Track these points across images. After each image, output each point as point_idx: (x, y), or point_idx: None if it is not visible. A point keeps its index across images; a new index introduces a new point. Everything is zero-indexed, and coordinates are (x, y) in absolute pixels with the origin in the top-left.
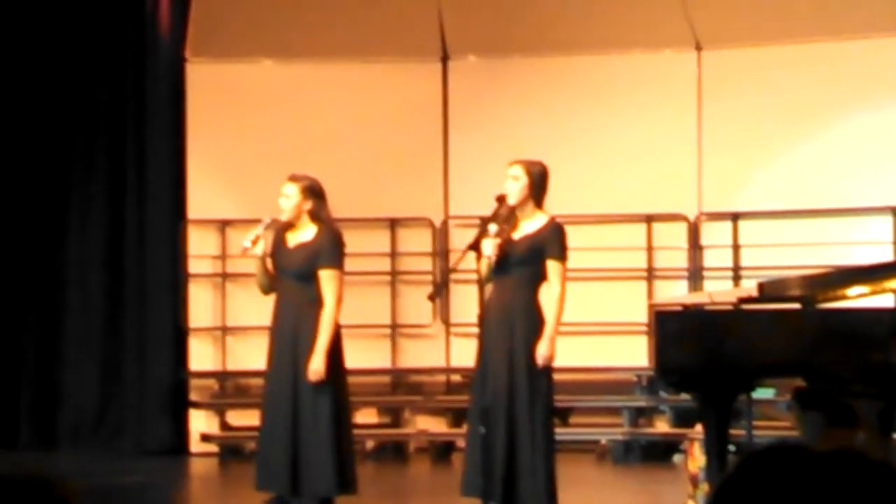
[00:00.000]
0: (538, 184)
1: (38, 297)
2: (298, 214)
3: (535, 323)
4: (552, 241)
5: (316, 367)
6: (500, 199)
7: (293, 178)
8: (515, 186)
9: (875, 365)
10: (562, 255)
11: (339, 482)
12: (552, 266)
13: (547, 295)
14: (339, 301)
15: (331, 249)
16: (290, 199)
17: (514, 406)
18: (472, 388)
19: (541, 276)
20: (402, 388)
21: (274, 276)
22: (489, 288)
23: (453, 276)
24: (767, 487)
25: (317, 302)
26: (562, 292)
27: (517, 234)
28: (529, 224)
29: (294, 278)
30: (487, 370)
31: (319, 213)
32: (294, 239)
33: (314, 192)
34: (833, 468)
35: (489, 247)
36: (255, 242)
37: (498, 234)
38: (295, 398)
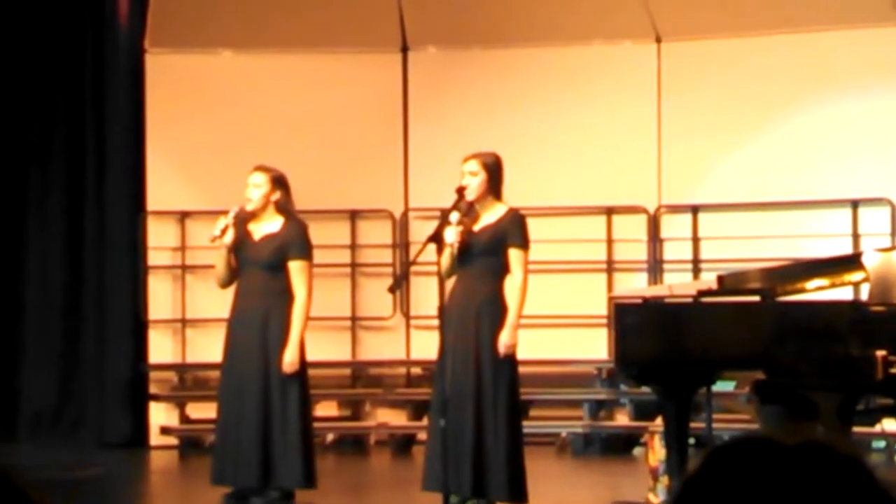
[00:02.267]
0: (494, 176)
1: None
2: (265, 205)
3: (499, 313)
4: (513, 231)
5: (291, 358)
6: (460, 192)
7: (262, 169)
8: (474, 182)
9: (834, 357)
10: (523, 244)
11: (305, 475)
12: (514, 254)
13: (509, 284)
14: (310, 292)
15: (300, 241)
16: (259, 188)
17: (480, 396)
18: (433, 380)
19: (503, 267)
20: (362, 380)
21: (234, 268)
22: (452, 280)
23: (413, 268)
24: (735, 480)
25: (286, 293)
26: (524, 280)
27: (478, 226)
28: (490, 215)
29: (263, 269)
30: (448, 363)
31: (286, 205)
32: (259, 230)
33: (282, 183)
34: (802, 460)
35: (452, 234)
36: (224, 232)
37: (459, 223)
38: (265, 390)
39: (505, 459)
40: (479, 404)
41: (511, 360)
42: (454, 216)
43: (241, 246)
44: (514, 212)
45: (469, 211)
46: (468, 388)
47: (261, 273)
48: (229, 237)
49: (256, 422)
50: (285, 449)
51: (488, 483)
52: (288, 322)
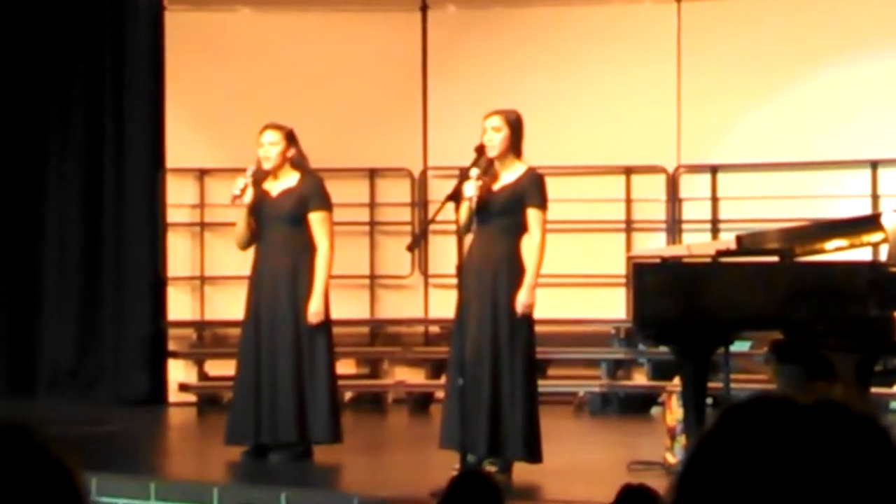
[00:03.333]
0: (517, 132)
1: (16, 247)
2: (282, 162)
3: (516, 272)
4: (532, 190)
5: (316, 308)
6: (480, 150)
7: (274, 126)
8: (497, 137)
9: (852, 318)
10: (542, 204)
11: (333, 430)
12: (532, 214)
13: (527, 244)
14: (332, 243)
15: (319, 193)
16: (276, 145)
17: (497, 355)
18: (450, 339)
19: (522, 226)
20: (380, 339)
21: (254, 229)
22: (469, 238)
23: (432, 227)
24: (750, 439)
25: (309, 247)
26: (542, 240)
27: (497, 185)
28: (509, 174)
29: (285, 223)
30: (466, 321)
31: (301, 160)
32: (276, 187)
33: (294, 139)
34: (817, 420)
35: (471, 188)
36: (243, 191)
37: (479, 178)
38: (297, 344)
39: (521, 419)
40: (496, 363)
41: (528, 320)
42: (474, 171)
43: (259, 204)
44: (533, 171)
45: (488, 169)
46: (485, 347)
47: (283, 228)
48: (249, 196)
49: (292, 376)
50: (316, 403)
51: (504, 442)
52: (313, 274)
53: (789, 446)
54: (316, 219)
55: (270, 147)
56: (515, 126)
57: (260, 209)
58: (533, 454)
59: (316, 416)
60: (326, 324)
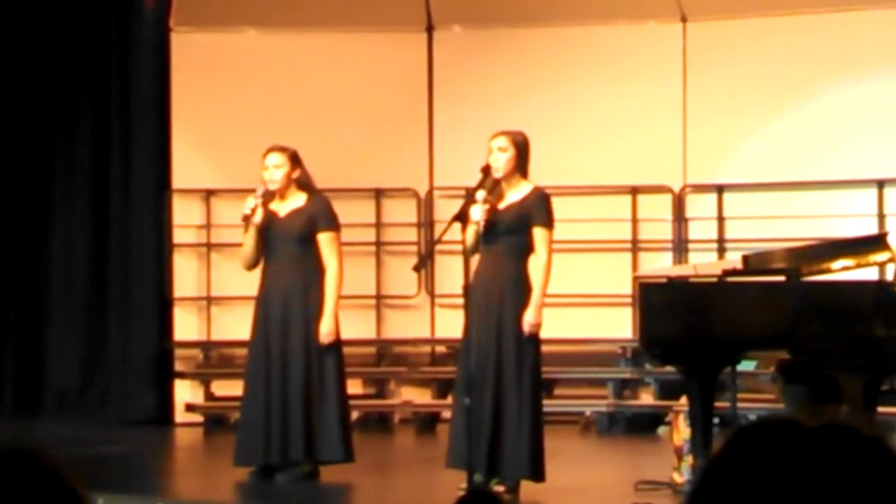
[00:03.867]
0: (523, 153)
1: (23, 267)
2: (288, 183)
3: (523, 292)
4: (538, 209)
5: (328, 328)
6: (486, 171)
7: (277, 149)
8: (503, 158)
9: (859, 338)
10: (548, 223)
11: (345, 450)
12: (538, 233)
13: (534, 263)
14: (341, 263)
15: (327, 213)
16: (280, 168)
17: (502, 375)
18: (457, 359)
19: (528, 246)
20: (386, 359)
21: (261, 249)
22: (474, 259)
23: (438, 247)
24: (759, 462)
25: (318, 267)
26: (548, 260)
27: (503, 204)
28: (515, 193)
29: (295, 243)
30: (473, 341)
31: (306, 181)
32: (283, 208)
33: (298, 160)
34: (825, 443)
35: (478, 212)
36: (254, 211)
37: (486, 201)
38: (308, 364)
39: (527, 439)
40: (501, 383)
41: (534, 340)
42: (480, 194)
43: (268, 225)
44: (539, 190)
45: (494, 189)
46: (490, 366)
47: (292, 248)
48: (259, 216)
49: (301, 397)
50: (326, 423)
51: (506, 462)
52: (324, 293)
53: (798, 469)
54: (325, 239)
55: (275, 170)
56: (522, 146)
57: (268, 230)
58: (537, 474)
59: (327, 436)
60: (337, 344)
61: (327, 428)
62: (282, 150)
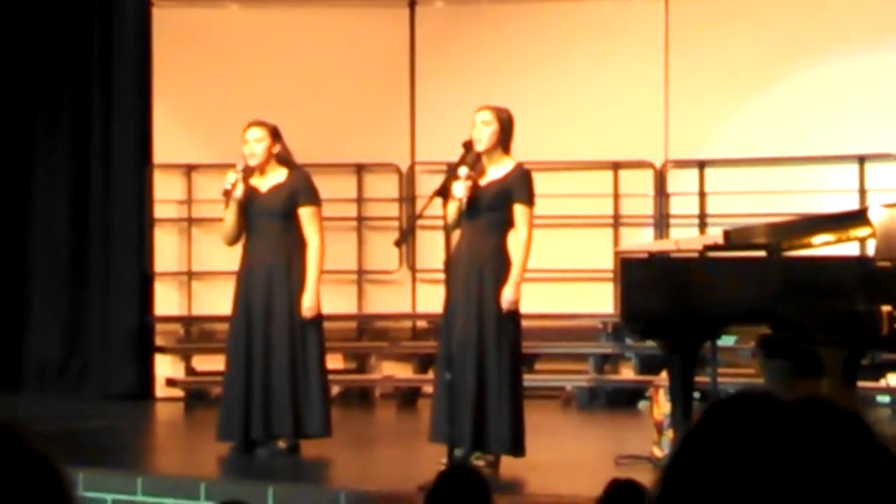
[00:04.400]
0: (507, 129)
1: (3, 242)
2: (268, 158)
3: (503, 268)
4: (519, 186)
5: (310, 303)
6: (468, 146)
7: (258, 123)
8: (486, 131)
9: (840, 313)
10: (529, 200)
11: (324, 424)
12: (519, 210)
13: (513, 240)
14: (322, 237)
15: (308, 188)
16: (261, 142)
17: (483, 350)
18: (439, 334)
19: (509, 222)
20: (367, 334)
21: (242, 224)
22: (455, 234)
23: (420, 222)
24: (734, 436)
25: (300, 241)
26: (528, 237)
27: (484, 181)
28: (497, 170)
29: (276, 219)
30: (454, 316)
31: (286, 156)
32: (264, 183)
33: (279, 135)
34: (801, 417)
35: (460, 189)
36: (234, 185)
37: (468, 178)
38: (292, 338)
39: (507, 414)
40: (482, 358)
41: (514, 315)
42: (463, 170)
43: (248, 200)
44: (521, 167)
45: (476, 164)
46: (471, 341)
47: (274, 223)
48: (240, 190)
49: (286, 371)
50: (308, 396)
51: (488, 436)
52: (305, 269)
53: (773, 442)
54: (306, 214)
55: (255, 143)
56: (506, 122)
57: (249, 205)
58: (517, 448)
59: (310, 410)
60: (319, 318)
61: (309, 402)
62: (262, 124)
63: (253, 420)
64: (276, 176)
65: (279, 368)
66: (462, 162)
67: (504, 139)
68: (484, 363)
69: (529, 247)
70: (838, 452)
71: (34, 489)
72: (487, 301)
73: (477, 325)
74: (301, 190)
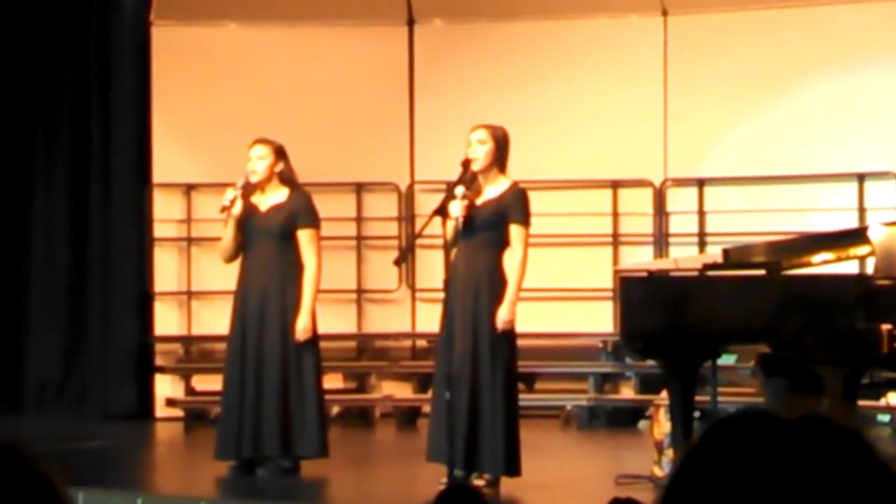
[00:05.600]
0: (502, 148)
1: (3, 260)
2: (270, 176)
3: (498, 286)
4: (515, 206)
5: (304, 325)
6: (466, 165)
7: (263, 141)
8: (482, 150)
9: (840, 331)
10: (524, 220)
11: (320, 445)
12: (515, 230)
13: (509, 259)
14: (319, 260)
15: (308, 210)
16: (263, 159)
17: (477, 370)
18: (436, 353)
19: (505, 241)
20: (367, 353)
21: (240, 242)
22: (454, 253)
23: (419, 241)
24: (735, 454)
25: (296, 263)
26: (524, 257)
27: (480, 200)
28: (493, 189)
29: (273, 239)
30: (452, 335)
31: (290, 176)
32: (265, 202)
33: (283, 154)
34: (802, 435)
35: (457, 208)
36: (233, 202)
37: (464, 197)
38: (285, 360)
39: (502, 434)
40: (476, 378)
41: (509, 335)
42: (459, 190)
43: (247, 218)
44: (516, 187)
45: (472, 184)
46: (466, 361)
47: (271, 243)
48: (238, 208)
49: (278, 391)
50: (303, 418)
51: (483, 457)
52: (300, 291)
53: (774, 461)
54: (304, 236)
55: (258, 161)
56: (501, 141)
57: (248, 223)
58: (512, 469)
59: (304, 432)
60: (314, 340)
61: (306, 424)
62: (267, 142)
63: (244, 439)
64: (277, 195)
65: (270, 389)
66: (460, 181)
67: (500, 157)
68: (478, 383)
69: (525, 267)
70: (839, 471)
71: None
72: (482, 320)
73: (472, 344)
74: (301, 211)
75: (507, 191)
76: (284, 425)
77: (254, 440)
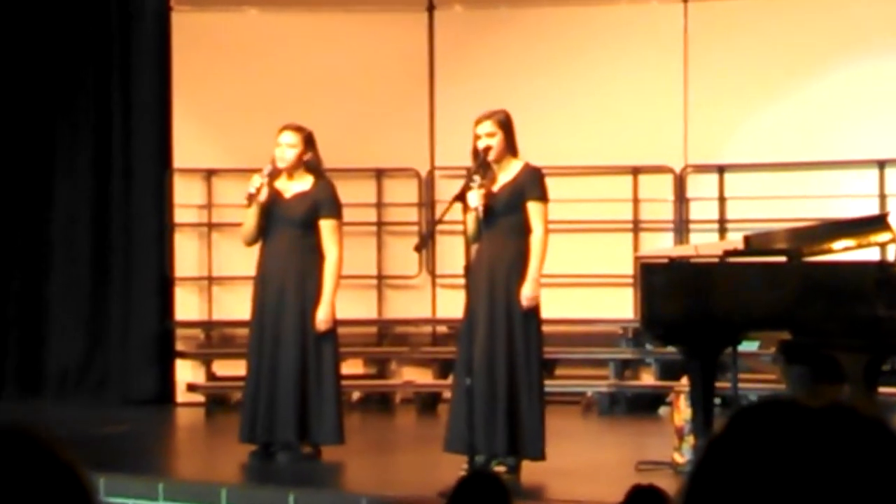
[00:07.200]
0: (509, 133)
1: (24, 246)
2: (298, 164)
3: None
4: (531, 184)
5: (324, 316)
6: (484, 153)
7: (293, 128)
8: (493, 142)
9: (860, 318)
10: (542, 196)
11: (337, 432)
12: (533, 208)
13: (531, 238)
14: (341, 251)
15: (332, 200)
16: (294, 147)
17: (513, 354)
18: (458, 339)
19: (527, 226)
20: (387, 339)
21: (262, 226)
22: (475, 246)
23: (439, 227)
24: (760, 443)
25: (317, 251)
26: (545, 233)
27: (496, 186)
28: (507, 173)
29: (296, 226)
30: (475, 322)
31: (316, 164)
32: (289, 189)
33: (312, 142)
34: (827, 424)
35: (475, 198)
36: (259, 190)
37: (481, 186)
38: (303, 347)
39: (536, 416)
40: (512, 362)
41: (536, 316)
42: (476, 179)
43: (271, 204)
44: (530, 166)
45: (487, 172)
46: (500, 346)
47: (293, 231)
48: (264, 195)
49: (294, 378)
50: (321, 405)
51: (523, 441)
52: (321, 280)
53: (799, 450)
54: (327, 226)
55: (288, 149)
56: (507, 126)
57: (271, 209)
58: (541, 452)
59: (322, 419)
60: (333, 329)
61: (324, 411)
62: (297, 129)
63: (258, 423)
64: (302, 183)
65: (286, 375)
66: (475, 171)
67: (510, 143)
68: (515, 366)
69: (546, 244)
70: (865, 459)
71: (58, 495)
72: (514, 305)
73: (506, 329)
74: (324, 201)
75: (520, 171)
76: (301, 412)
77: (269, 426)
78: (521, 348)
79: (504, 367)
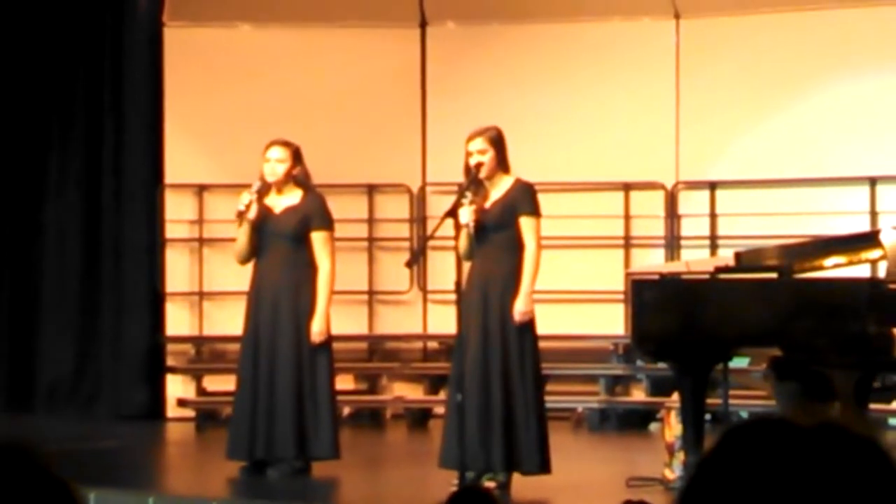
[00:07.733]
0: (501, 149)
1: (14, 260)
2: (287, 179)
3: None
4: (522, 199)
5: (319, 328)
6: (476, 168)
7: (281, 143)
8: (486, 160)
9: (851, 335)
10: (534, 211)
11: (333, 446)
12: (525, 223)
13: (523, 253)
14: (333, 262)
15: (322, 212)
16: (283, 162)
17: (508, 370)
18: (452, 355)
19: (520, 241)
20: (378, 354)
21: (255, 243)
22: (467, 264)
23: (431, 242)
24: (751, 461)
25: (310, 265)
26: (537, 248)
27: (488, 202)
28: (498, 189)
29: (287, 241)
30: (467, 338)
31: (304, 178)
32: (279, 204)
33: (300, 156)
34: (818, 443)
35: (466, 214)
36: (248, 207)
37: (472, 202)
38: (298, 361)
39: (535, 431)
40: (507, 378)
41: (531, 331)
42: (467, 196)
43: (262, 220)
44: (521, 182)
45: (479, 189)
46: (494, 362)
47: (285, 245)
48: (254, 212)
49: (291, 393)
50: (317, 419)
51: (520, 456)
52: (315, 293)
53: (790, 468)
54: (318, 238)
55: (277, 164)
56: (498, 144)
57: (262, 225)
58: (545, 466)
59: (318, 433)
60: (328, 342)
61: (319, 426)
62: (286, 144)
63: (257, 440)
64: (292, 197)
65: (283, 390)
66: (466, 187)
67: (501, 159)
68: (510, 382)
69: (539, 258)
70: (856, 478)
71: None
72: (508, 323)
73: (501, 345)
74: (315, 214)
75: (512, 187)
76: (298, 427)
77: (267, 442)
78: (515, 363)
79: (499, 383)
